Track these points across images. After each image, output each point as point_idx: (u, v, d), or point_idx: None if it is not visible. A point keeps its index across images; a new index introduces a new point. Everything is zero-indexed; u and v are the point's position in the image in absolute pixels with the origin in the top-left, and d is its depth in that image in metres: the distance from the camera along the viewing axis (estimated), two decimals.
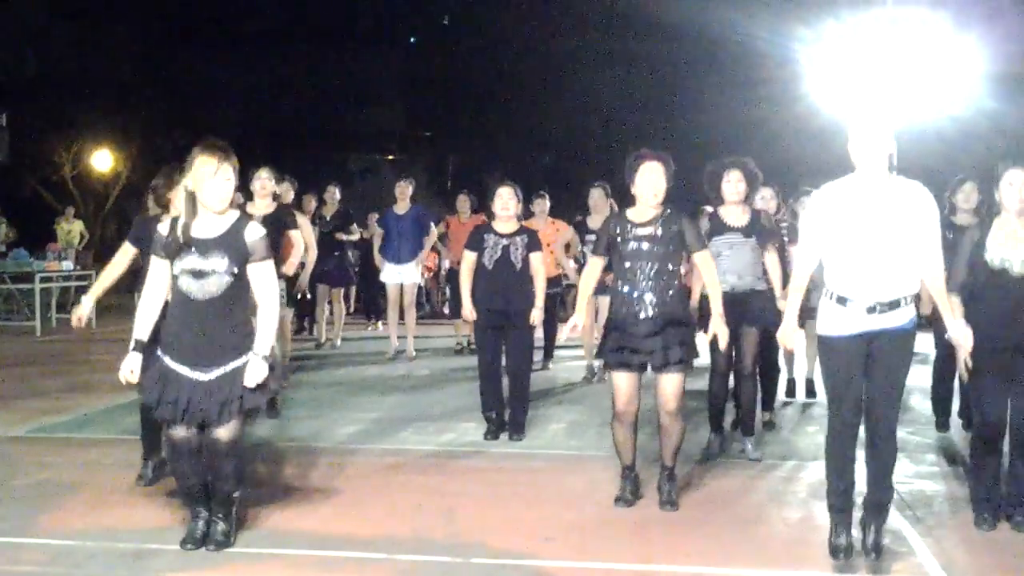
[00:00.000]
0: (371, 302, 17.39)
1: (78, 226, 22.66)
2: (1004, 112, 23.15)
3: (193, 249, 5.42)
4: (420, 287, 19.33)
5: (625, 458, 6.61)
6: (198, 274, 5.40)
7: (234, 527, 5.73)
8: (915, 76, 22.38)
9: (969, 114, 23.28)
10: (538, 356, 11.42)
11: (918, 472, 7.46)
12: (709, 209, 8.16)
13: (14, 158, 24.96)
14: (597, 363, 10.76)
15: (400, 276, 13.26)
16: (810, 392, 10.16)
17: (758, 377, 8.15)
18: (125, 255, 7.02)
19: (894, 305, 5.17)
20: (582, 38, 30.37)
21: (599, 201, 11.68)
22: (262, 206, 9.17)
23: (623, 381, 6.43)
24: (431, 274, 19.55)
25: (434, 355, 13.64)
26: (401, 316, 13.52)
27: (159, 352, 5.54)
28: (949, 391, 8.69)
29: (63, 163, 29.08)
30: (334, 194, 14.72)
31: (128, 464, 7.18)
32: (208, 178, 5.40)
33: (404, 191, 13.31)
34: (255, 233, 5.55)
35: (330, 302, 14.70)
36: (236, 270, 5.45)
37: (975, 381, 6.04)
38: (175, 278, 5.47)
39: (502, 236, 8.42)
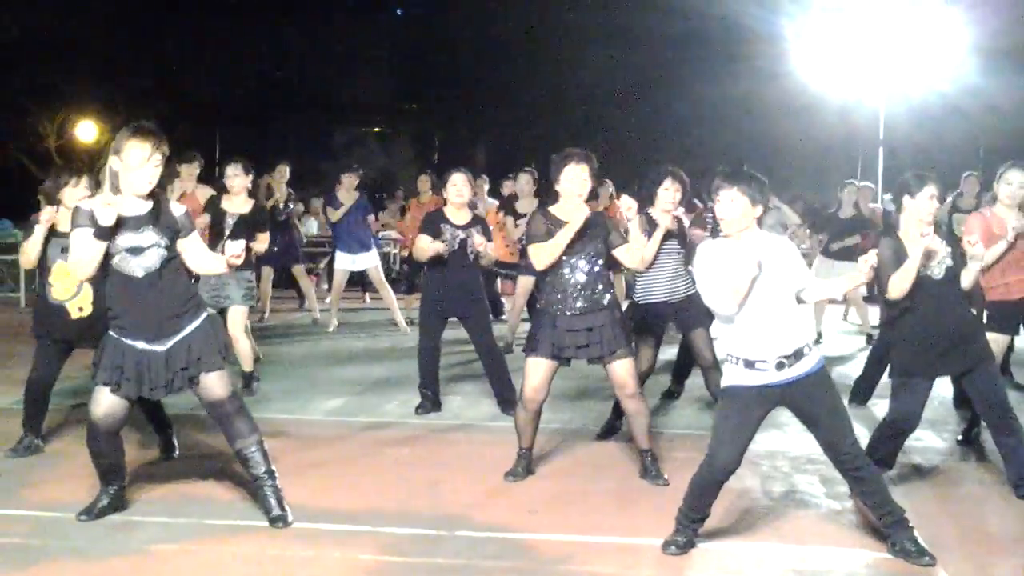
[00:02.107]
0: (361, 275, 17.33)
1: None
2: (991, 88, 23.17)
3: (125, 227, 5.40)
4: (402, 261, 19.32)
5: (524, 441, 6.73)
6: (135, 250, 5.42)
7: (283, 495, 5.77)
8: (902, 52, 22.40)
9: (956, 90, 23.29)
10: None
11: (907, 447, 7.50)
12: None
13: None
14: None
15: (354, 263, 13.25)
16: None
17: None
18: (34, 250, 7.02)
19: (799, 355, 5.20)
20: (570, 12, 30.29)
21: (526, 186, 11.86)
22: (239, 202, 9.07)
23: (538, 368, 6.49)
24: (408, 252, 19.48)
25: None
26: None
27: (110, 332, 5.55)
28: (875, 379, 8.76)
29: (47, 134, 28.92)
30: (284, 174, 14.12)
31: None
32: (139, 163, 5.38)
33: (351, 182, 13.31)
34: (179, 209, 5.65)
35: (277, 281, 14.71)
36: (168, 243, 5.50)
37: (900, 376, 6.21)
38: (110, 258, 5.43)
39: (458, 228, 8.36)
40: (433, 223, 8.41)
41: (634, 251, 6.63)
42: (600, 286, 6.47)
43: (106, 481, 5.76)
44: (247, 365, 9.11)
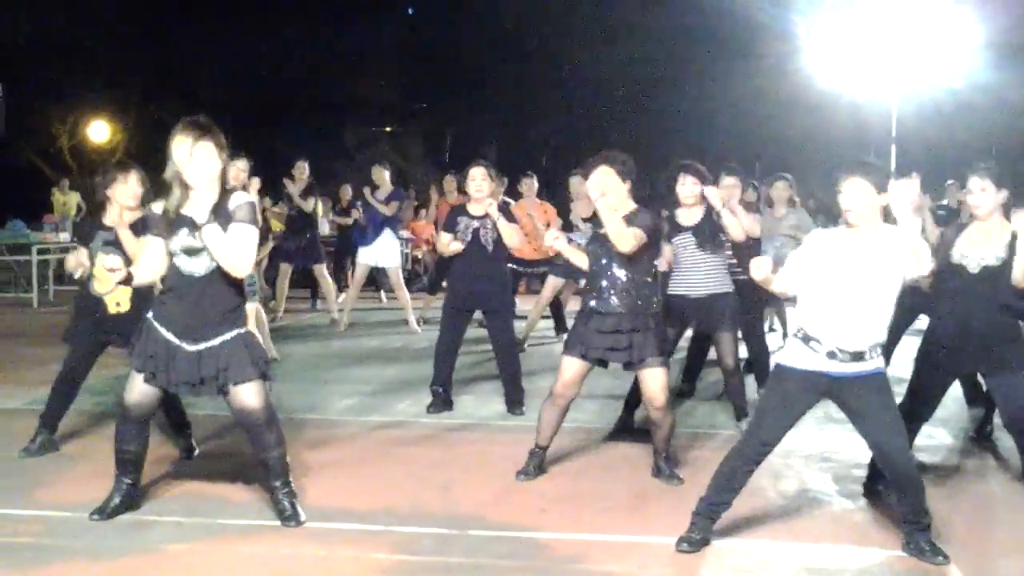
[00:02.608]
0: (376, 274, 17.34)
1: (74, 197, 22.55)
2: (1003, 84, 23.07)
3: (185, 227, 5.41)
4: (419, 259, 19.34)
5: (542, 438, 6.72)
6: (191, 251, 5.42)
7: (297, 499, 5.79)
8: (914, 48, 22.33)
9: (968, 86, 23.21)
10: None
11: (917, 445, 7.48)
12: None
13: (10, 129, 24.87)
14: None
15: (376, 259, 13.27)
16: None
17: (742, 369, 8.20)
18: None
19: (857, 356, 5.15)
20: (580, 9, 30.26)
21: (580, 188, 11.55)
22: (236, 198, 8.97)
23: (571, 366, 6.48)
24: (430, 247, 19.50)
25: (433, 328, 13.62)
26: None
27: (150, 318, 5.58)
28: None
29: (60, 134, 29.04)
30: (303, 170, 13.98)
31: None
32: (185, 157, 5.37)
33: (381, 176, 13.32)
34: (239, 199, 5.56)
35: (310, 282, 14.67)
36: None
37: (922, 365, 6.18)
38: (171, 256, 5.48)
39: (473, 218, 8.36)
40: (452, 218, 8.46)
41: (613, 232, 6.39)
42: (637, 291, 6.38)
43: (122, 472, 5.77)
44: None
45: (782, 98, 27.33)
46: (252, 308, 8.96)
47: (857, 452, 6.79)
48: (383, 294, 16.55)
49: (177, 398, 6.80)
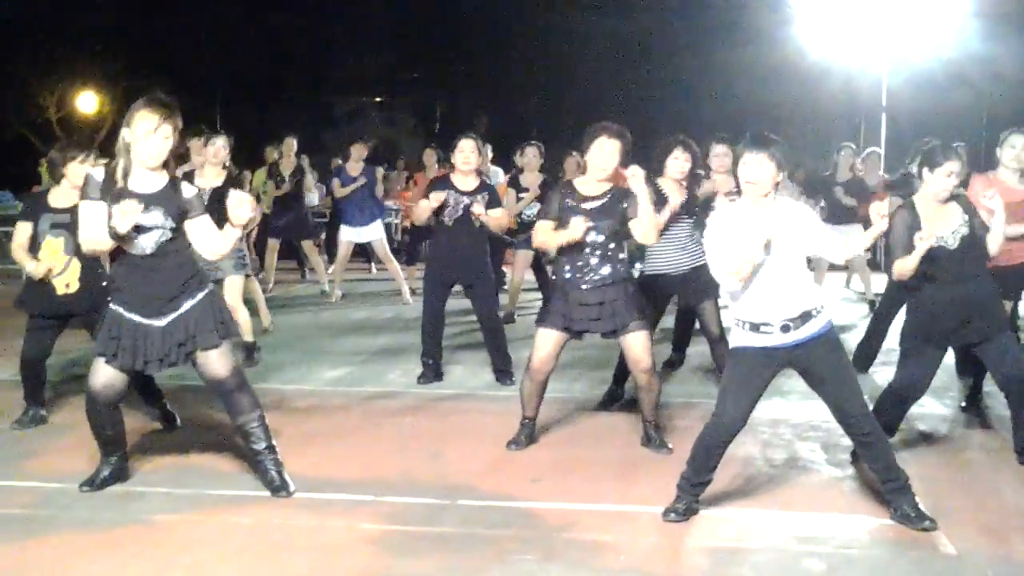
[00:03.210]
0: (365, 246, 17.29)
1: None
2: (994, 54, 23.01)
3: (131, 202, 5.31)
4: (403, 232, 19.26)
5: (528, 410, 6.72)
6: (140, 228, 5.35)
7: (284, 468, 5.77)
8: (905, 18, 22.24)
9: (958, 56, 23.15)
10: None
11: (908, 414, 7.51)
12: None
13: None
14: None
15: (359, 236, 13.17)
16: None
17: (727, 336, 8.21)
18: (25, 233, 7.00)
19: (805, 318, 5.18)
20: None
21: (532, 160, 11.79)
22: (212, 174, 8.89)
23: (547, 339, 6.47)
24: (405, 216, 19.41)
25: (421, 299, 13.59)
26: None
27: (112, 304, 5.53)
28: (877, 346, 8.90)
29: (48, 105, 28.88)
30: (291, 146, 13.90)
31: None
32: (147, 134, 5.33)
33: (360, 152, 13.21)
34: (190, 190, 5.58)
35: (301, 256, 14.69)
36: (174, 225, 5.46)
37: (910, 343, 6.18)
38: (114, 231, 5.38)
39: (463, 194, 8.28)
40: (437, 190, 8.34)
41: (645, 224, 6.46)
42: (615, 261, 6.42)
43: (106, 452, 5.77)
44: (248, 335, 9.09)
45: (772, 68, 27.21)
46: (240, 280, 8.96)
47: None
48: (373, 265, 16.53)
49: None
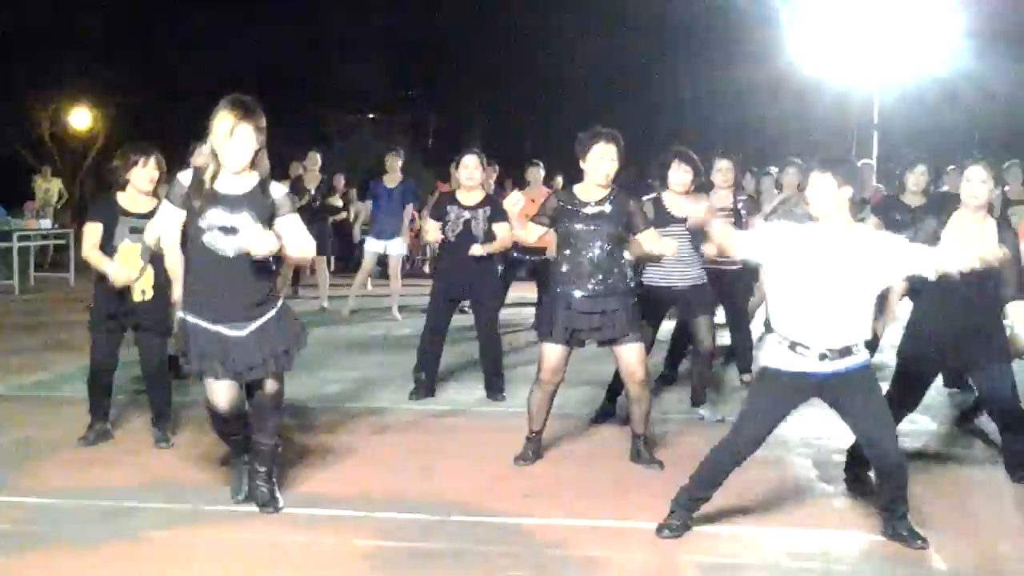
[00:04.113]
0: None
1: (56, 184, 22.40)
2: (985, 72, 23.12)
3: (220, 205, 5.31)
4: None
5: (535, 424, 6.70)
6: (228, 230, 5.29)
7: (277, 487, 5.74)
8: (896, 35, 22.34)
9: (950, 74, 23.25)
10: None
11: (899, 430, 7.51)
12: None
13: None
14: None
15: (384, 248, 13.14)
16: None
17: (721, 357, 8.33)
18: (97, 234, 6.74)
19: (845, 353, 5.08)
20: None
21: (535, 179, 11.84)
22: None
23: (554, 351, 6.47)
24: (413, 235, 19.45)
25: (414, 315, 13.58)
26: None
27: (184, 316, 5.43)
28: None
29: (41, 120, 28.84)
30: (315, 161, 14.02)
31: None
32: (224, 136, 5.28)
33: (394, 164, 13.08)
34: (280, 190, 5.51)
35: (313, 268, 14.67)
36: (262, 227, 5.32)
37: (902, 359, 6.19)
38: (199, 232, 5.33)
39: (464, 208, 8.31)
40: (441, 205, 8.42)
41: (650, 243, 6.54)
42: (616, 270, 6.42)
43: (237, 454, 5.81)
44: None
45: (765, 86, 27.31)
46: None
47: (838, 438, 6.82)
48: (369, 281, 16.51)
49: (165, 389, 6.85)
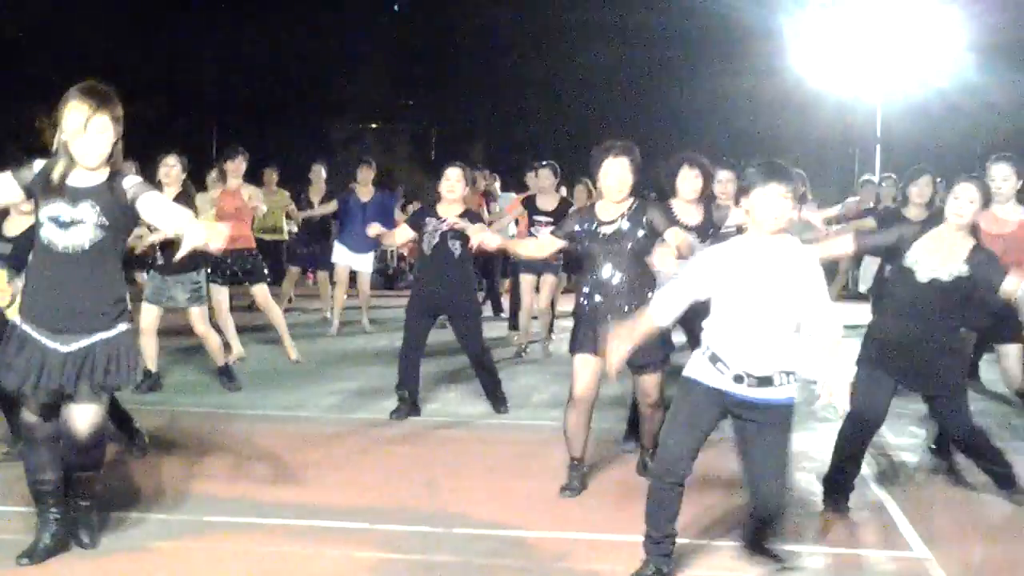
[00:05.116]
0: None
1: None
2: (989, 85, 23.17)
3: (63, 198, 4.81)
4: (404, 257, 19.20)
5: (574, 450, 6.38)
6: (64, 224, 4.79)
7: (96, 525, 5.26)
8: (899, 48, 22.39)
9: (953, 87, 23.28)
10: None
11: (899, 444, 7.52)
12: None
13: None
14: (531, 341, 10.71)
15: (352, 262, 12.76)
16: None
17: None
18: None
19: (765, 382, 4.73)
20: (566, 9, 30.28)
21: (545, 181, 11.33)
22: (170, 195, 8.41)
23: (586, 366, 6.18)
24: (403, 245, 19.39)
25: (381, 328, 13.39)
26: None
27: (16, 321, 4.96)
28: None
29: (44, 127, 28.88)
30: (320, 174, 13.82)
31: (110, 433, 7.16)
32: (78, 129, 4.79)
33: (366, 176, 12.70)
34: (132, 179, 4.99)
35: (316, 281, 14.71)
36: (107, 222, 4.83)
37: (863, 368, 5.98)
38: (39, 226, 4.86)
39: (443, 221, 8.11)
40: (419, 216, 8.28)
41: (676, 238, 6.12)
42: (643, 289, 6.14)
43: (41, 503, 5.19)
44: (219, 360, 9.13)
45: (768, 98, 27.39)
46: (201, 310, 8.89)
47: None
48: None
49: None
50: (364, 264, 12.98)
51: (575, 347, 6.27)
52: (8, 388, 5.01)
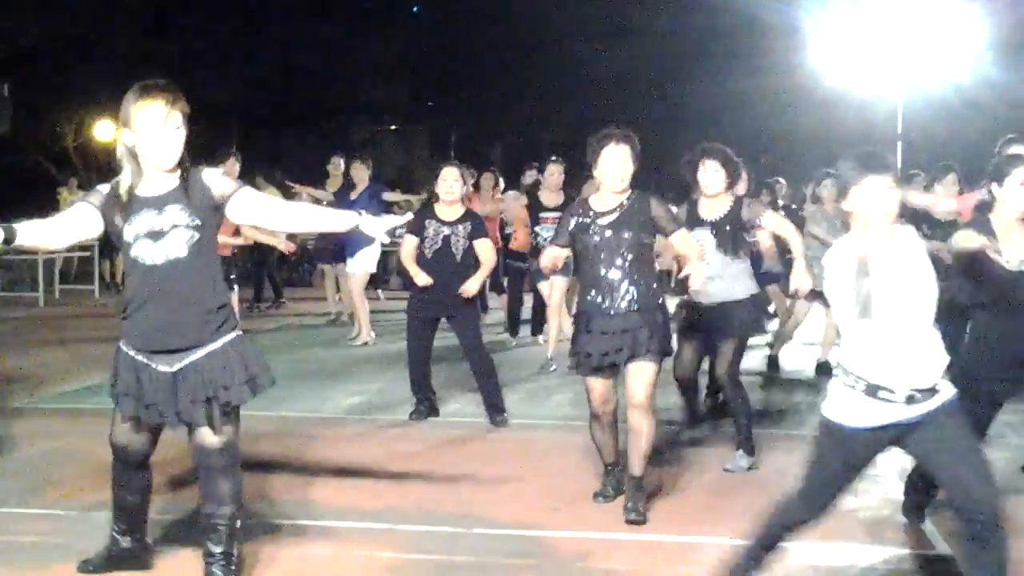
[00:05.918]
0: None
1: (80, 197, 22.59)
2: (1009, 82, 23.05)
3: (144, 208, 4.47)
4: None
5: (606, 456, 6.21)
6: (156, 234, 4.44)
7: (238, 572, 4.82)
8: (920, 45, 22.30)
9: (974, 84, 23.19)
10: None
11: None
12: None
13: (16, 129, 24.91)
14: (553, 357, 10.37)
15: (346, 266, 12.46)
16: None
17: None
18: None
19: (933, 391, 4.08)
20: (586, 9, 30.28)
21: (551, 178, 11.01)
22: None
23: (596, 383, 5.95)
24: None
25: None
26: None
27: (121, 346, 4.64)
28: None
29: (65, 133, 29.03)
30: (339, 165, 13.64)
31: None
32: (155, 127, 4.42)
33: (361, 174, 12.49)
34: (213, 172, 4.68)
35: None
36: (199, 221, 4.48)
37: (963, 382, 4.84)
38: (128, 246, 4.49)
39: (443, 223, 8.01)
40: (419, 220, 8.01)
41: (684, 245, 6.00)
42: (642, 283, 5.82)
43: (117, 520, 5.04)
44: None
45: (788, 96, 27.32)
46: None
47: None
48: (381, 292, 16.52)
49: None
50: (353, 266, 12.40)
51: (577, 368, 6.04)
52: (128, 415, 4.66)
